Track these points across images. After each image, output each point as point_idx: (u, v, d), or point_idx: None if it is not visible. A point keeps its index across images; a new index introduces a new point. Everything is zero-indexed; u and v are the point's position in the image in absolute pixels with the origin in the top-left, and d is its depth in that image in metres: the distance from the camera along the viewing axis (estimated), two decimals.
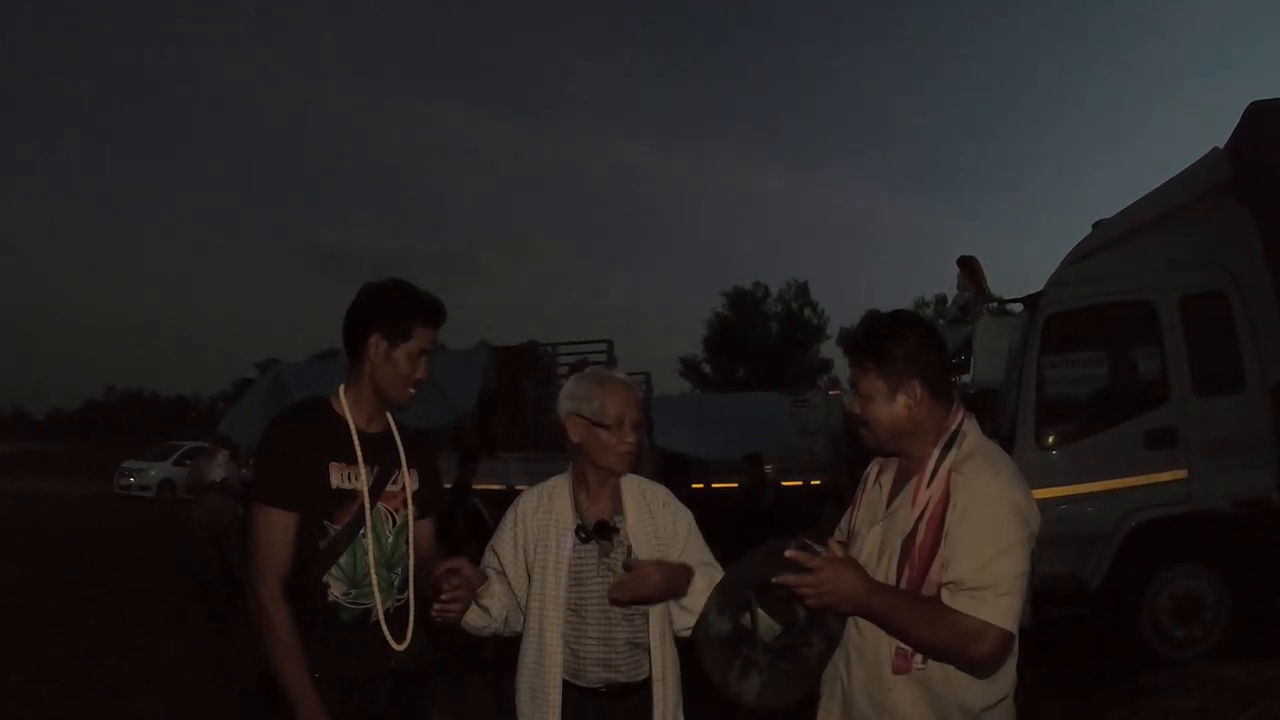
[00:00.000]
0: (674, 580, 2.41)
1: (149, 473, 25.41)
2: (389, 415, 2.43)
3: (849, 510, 2.35)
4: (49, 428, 64.48)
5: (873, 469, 2.30)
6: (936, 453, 2.08)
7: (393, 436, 2.42)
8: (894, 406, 2.11)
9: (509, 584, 2.52)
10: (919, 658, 2.02)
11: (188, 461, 22.30)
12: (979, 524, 1.98)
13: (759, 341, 47.65)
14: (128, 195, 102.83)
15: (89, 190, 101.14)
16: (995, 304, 7.67)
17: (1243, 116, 6.44)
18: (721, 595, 2.19)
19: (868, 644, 2.08)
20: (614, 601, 2.40)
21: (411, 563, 2.38)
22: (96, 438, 49.21)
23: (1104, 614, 6.27)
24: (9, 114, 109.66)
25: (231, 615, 8.35)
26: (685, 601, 2.45)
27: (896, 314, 2.22)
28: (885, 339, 2.13)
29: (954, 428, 2.11)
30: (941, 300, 47.76)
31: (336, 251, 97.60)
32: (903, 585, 2.03)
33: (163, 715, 5.86)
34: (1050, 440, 6.35)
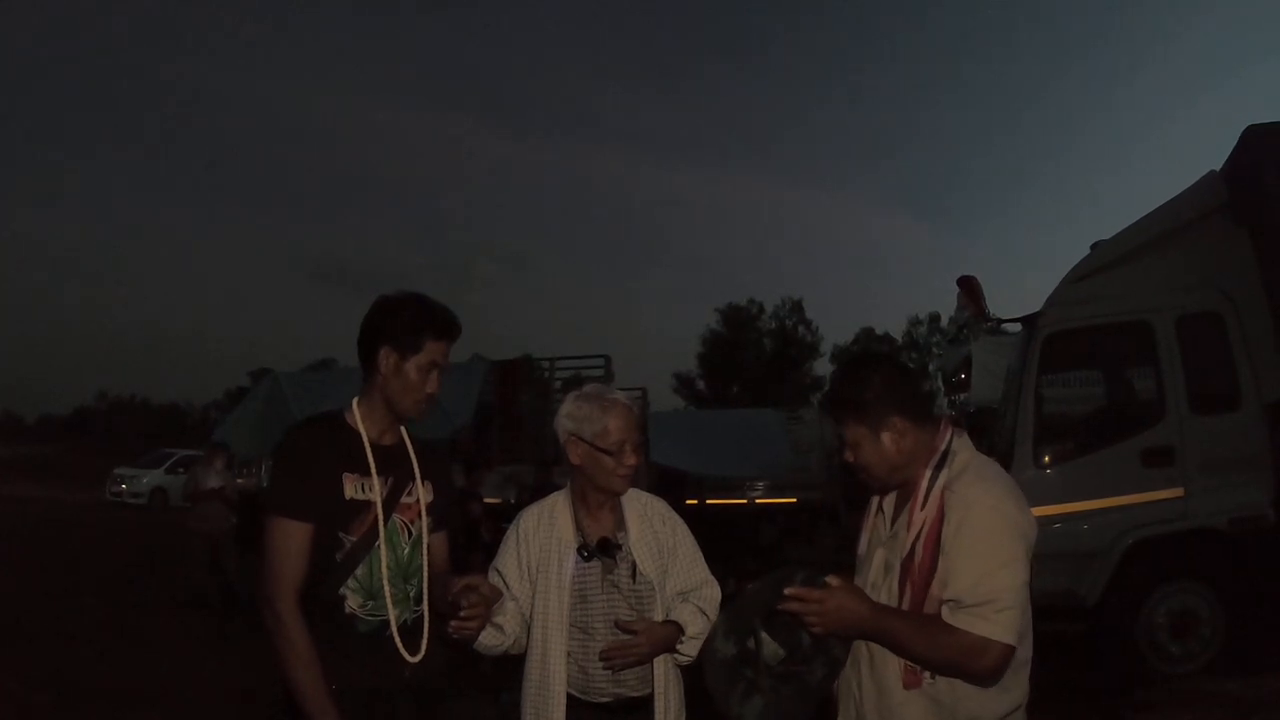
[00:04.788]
0: (664, 644, 2.45)
1: (141, 480, 25.12)
2: (403, 428, 2.41)
3: (861, 535, 2.40)
4: (39, 432, 63.92)
5: (876, 495, 2.34)
6: (929, 474, 2.13)
7: (406, 448, 2.39)
8: (881, 446, 2.17)
9: (517, 604, 2.52)
10: (928, 673, 2.05)
11: (180, 469, 22.23)
12: (973, 539, 2.02)
13: (753, 358, 47.82)
14: (120, 202, 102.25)
15: (82, 196, 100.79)
16: (993, 323, 7.72)
17: (1239, 140, 6.55)
18: (728, 620, 2.24)
19: (878, 661, 2.12)
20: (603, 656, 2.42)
21: (426, 575, 2.36)
22: (87, 443, 48.79)
23: (1100, 630, 6.30)
24: (4, 120, 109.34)
25: (229, 627, 8.34)
26: (681, 649, 2.49)
27: (857, 359, 2.38)
28: (853, 386, 2.20)
29: (943, 447, 2.17)
30: (935, 319, 48.27)
31: (330, 263, 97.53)
32: (905, 605, 2.08)
33: None
34: (1048, 458, 6.38)
